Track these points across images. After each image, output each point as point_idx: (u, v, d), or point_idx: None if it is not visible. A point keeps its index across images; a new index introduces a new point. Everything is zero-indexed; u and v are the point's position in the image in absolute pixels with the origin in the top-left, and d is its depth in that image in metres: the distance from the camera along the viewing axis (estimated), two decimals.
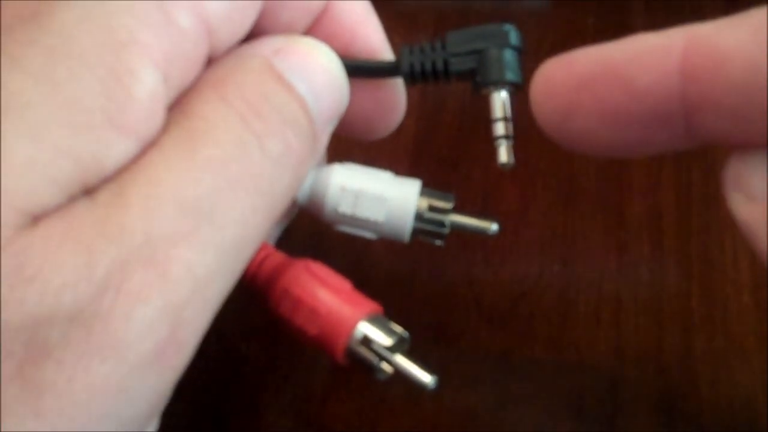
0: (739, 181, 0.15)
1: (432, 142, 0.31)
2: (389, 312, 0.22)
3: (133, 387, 0.15)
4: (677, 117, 0.15)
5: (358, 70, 0.21)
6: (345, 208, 0.23)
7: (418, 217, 0.23)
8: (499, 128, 0.21)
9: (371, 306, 0.21)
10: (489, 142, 0.21)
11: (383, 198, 0.23)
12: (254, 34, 0.20)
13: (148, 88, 0.16)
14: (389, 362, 0.20)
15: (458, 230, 0.24)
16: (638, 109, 0.15)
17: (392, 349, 0.20)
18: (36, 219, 0.15)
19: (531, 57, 0.33)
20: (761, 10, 0.14)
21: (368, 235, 0.24)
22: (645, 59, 0.15)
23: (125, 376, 0.15)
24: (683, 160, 0.30)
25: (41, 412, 0.14)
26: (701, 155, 0.30)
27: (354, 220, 0.23)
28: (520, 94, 0.21)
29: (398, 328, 0.21)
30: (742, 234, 0.15)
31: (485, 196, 0.30)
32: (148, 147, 0.16)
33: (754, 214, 0.14)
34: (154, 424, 0.18)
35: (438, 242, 0.24)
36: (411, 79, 0.22)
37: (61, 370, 0.14)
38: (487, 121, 0.21)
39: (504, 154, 0.21)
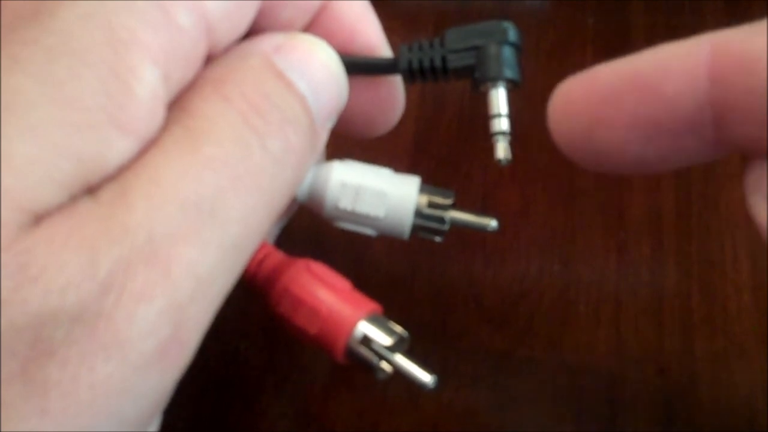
0: (760, 184, 0.15)
1: (432, 142, 0.31)
2: (389, 312, 0.22)
3: (136, 386, 0.15)
4: (706, 124, 0.15)
5: (357, 67, 0.21)
6: (345, 204, 0.23)
7: (418, 213, 0.23)
8: (497, 124, 0.21)
9: (371, 306, 0.21)
10: (489, 142, 0.21)
11: (383, 194, 0.23)
12: (253, 31, 0.20)
13: (149, 87, 0.16)
14: (389, 362, 0.20)
15: (458, 226, 0.24)
16: (667, 117, 0.15)
17: (392, 349, 0.20)
18: (38, 218, 0.15)
19: (531, 57, 0.33)
20: None
21: (368, 231, 0.24)
22: (672, 66, 0.15)
23: (128, 375, 0.15)
24: None
25: (45, 411, 0.14)
26: None
27: (354, 216, 0.23)
28: (519, 92, 0.21)
29: (398, 328, 0.21)
30: (763, 237, 0.15)
31: (485, 195, 0.30)
32: (149, 145, 0.16)
33: None
34: (156, 423, 0.18)
35: (437, 239, 0.24)
36: (410, 76, 0.22)
37: (65, 369, 0.14)
38: (487, 120, 0.21)
39: (501, 150, 0.21)
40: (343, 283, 0.22)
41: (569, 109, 0.16)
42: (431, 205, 0.23)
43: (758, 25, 0.14)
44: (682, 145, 0.15)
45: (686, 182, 0.30)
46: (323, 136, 0.20)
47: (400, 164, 0.25)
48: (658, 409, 0.25)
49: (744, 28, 0.15)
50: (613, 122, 0.15)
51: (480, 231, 0.24)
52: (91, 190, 0.16)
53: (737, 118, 0.14)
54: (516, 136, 0.21)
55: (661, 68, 0.15)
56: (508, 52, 0.21)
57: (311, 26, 0.21)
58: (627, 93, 0.15)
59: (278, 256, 0.22)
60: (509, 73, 0.21)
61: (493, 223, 0.24)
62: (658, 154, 0.15)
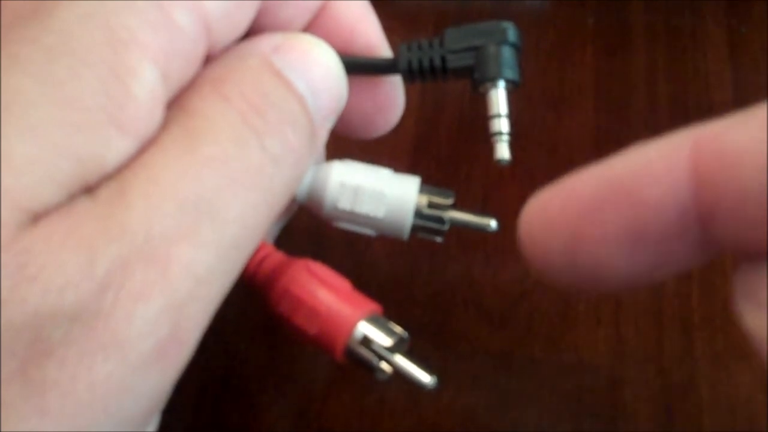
0: (750, 289, 0.14)
1: (432, 142, 0.31)
2: (389, 312, 0.22)
3: (134, 385, 0.15)
4: (692, 228, 0.14)
5: (357, 67, 0.21)
6: (344, 204, 0.23)
7: (418, 213, 0.23)
8: (496, 125, 0.21)
9: (371, 306, 0.21)
10: (489, 142, 0.21)
11: (383, 194, 0.23)
12: (252, 31, 0.20)
13: (148, 87, 0.16)
14: (389, 362, 0.20)
15: (458, 226, 0.24)
16: (652, 225, 0.14)
17: (392, 349, 0.20)
18: (37, 217, 0.15)
19: (531, 57, 0.33)
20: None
21: (368, 231, 0.24)
22: (652, 170, 0.14)
23: (127, 374, 0.15)
24: None
25: (44, 411, 0.14)
26: None
27: (353, 217, 0.23)
28: (519, 92, 0.21)
29: (398, 328, 0.21)
30: (752, 346, 0.13)
31: (485, 196, 0.30)
32: (147, 145, 0.16)
33: (765, 324, 0.13)
34: (154, 422, 0.18)
35: (437, 239, 0.24)
36: (409, 76, 0.22)
37: (64, 368, 0.14)
38: (487, 120, 0.21)
39: (501, 150, 0.21)
40: (342, 284, 0.22)
41: (544, 225, 0.15)
42: (431, 205, 0.23)
43: (737, 116, 0.13)
44: (669, 252, 0.14)
45: None
46: (322, 136, 0.20)
47: (400, 164, 0.25)
48: (658, 409, 0.25)
49: (723, 120, 0.14)
50: (594, 236, 0.14)
51: (480, 231, 0.24)
52: (89, 189, 0.16)
53: (724, 219, 0.13)
54: (516, 136, 0.21)
55: (640, 173, 0.14)
56: (507, 53, 0.21)
57: (311, 26, 0.21)
58: (607, 203, 0.14)
59: (278, 256, 0.22)
60: (509, 73, 0.21)
61: (493, 223, 0.24)
62: (645, 265, 0.14)
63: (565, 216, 0.14)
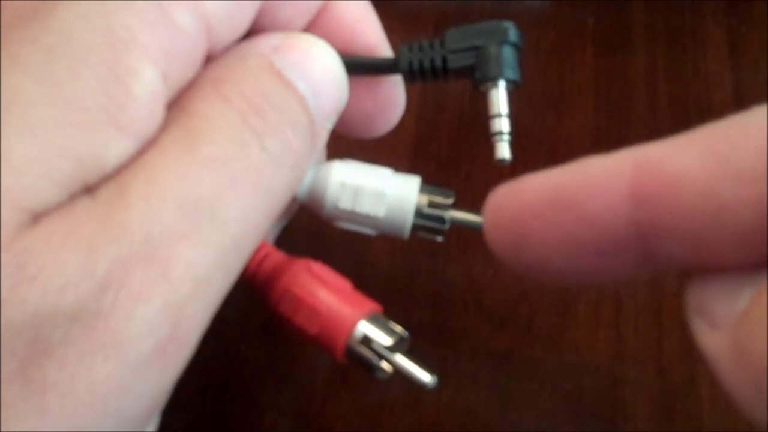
0: (701, 307, 0.14)
1: (432, 142, 0.31)
2: (389, 312, 0.22)
3: (134, 385, 0.15)
4: (632, 243, 0.14)
5: (357, 67, 0.21)
6: (345, 203, 0.23)
7: (418, 212, 0.23)
8: (497, 124, 0.21)
9: (371, 306, 0.21)
10: (489, 142, 0.21)
11: (383, 194, 0.23)
12: (253, 31, 0.20)
13: (148, 87, 0.16)
14: (389, 362, 0.20)
15: (458, 226, 0.24)
16: (590, 236, 0.14)
17: (392, 349, 0.20)
18: (37, 217, 0.15)
19: (531, 57, 0.33)
20: (710, 128, 0.13)
21: (368, 231, 0.24)
22: (594, 184, 0.14)
23: (127, 374, 0.15)
24: None
25: (44, 411, 0.14)
26: None
27: (354, 216, 0.23)
28: (519, 92, 0.21)
29: (398, 328, 0.21)
30: (706, 363, 0.14)
31: (485, 196, 0.30)
32: (147, 145, 0.16)
33: (716, 342, 0.13)
34: (154, 422, 0.18)
35: (438, 239, 0.24)
36: (410, 76, 0.22)
37: (64, 368, 0.14)
38: (487, 120, 0.21)
39: (501, 150, 0.21)
40: (343, 283, 0.22)
41: (499, 219, 0.15)
42: (431, 204, 0.23)
43: (679, 138, 0.14)
44: (609, 262, 0.14)
45: None
46: (323, 136, 0.20)
47: (400, 164, 0.25)
48: (658, 409, 0.25)
49: (666, 141, 0.14)
50: (538, 237, 0.14)
51: (480, 231, 0.24)
52: (89, 189, 0.16)
53: (664, 238, 0.13)
54: (516, 136, 0.21)
55: (582, 186, 0.14)
56: (508, 52, 0.21)
57: (311, 26, 0.21)
58: (550, 209, 0.14)
59: (278, 256, 0.22)
60: (509, 73, 0.21)
61: None
62: (586, 269, 0.14)
63: (514, 215, 0.15)
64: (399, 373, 0.20)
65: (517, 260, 0.15)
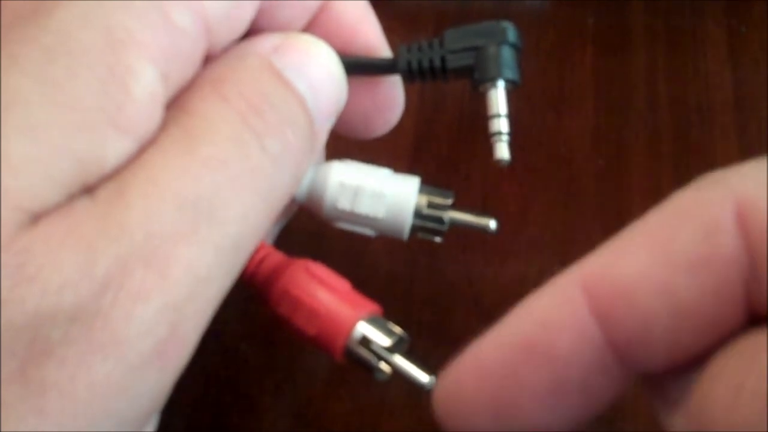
0: (676, 399, 0.13)
1: (432, 142, 0.31)
2: (389, 312, 0.22)
3: (134, 385, 0.15)
4: (609, 361, 0.13)
5: (357, 67, 0.21)
6: (344, 204, 0.23)
7: (417, 213, 0.23)
8: (496, 125, 0.21)
9: (370, 306, 0.21)
10: (488, 143, 0.21)
11: (382, 194, 0.23)
12: (252, 31, 0.20)
13: (147, 87, 0.16)
14: (388, 363, 0.20)
15: (457, 226, 0.24)
16: (572, 371, 0.13)
17: (391, 350, 0.20)
18: (36, 218, 0.15)
19: (531, 57, 0.33)
20: (648, 221, 0.13)
21: (367, 231, 0.24)
22: (554, 321, 0.13)
23: (126, 374, 0.15)
24: (683, 160, 0.30)
25: (43, 411, 0.14)
26: (701, 155, 0.30)
27: (353, 217, 0.23)
28: (519, 92, 0.21)
29: (397, 329, 0.21)
30: None
31: (485, 196, 0.30)
32: (147, 145, 0.16)
33: (679, 424, 0.13)
34: (153, 422, 0.18)
35: (437, 239, 0.24)
36: (409, 76, 0.22)
37: (63, 368, 0.15)
38: (486, 120, 0.21)
39: (500, 150, 0.21)
40: (342, 284, 0.22)
41: (461, 396, 0.14)
42: (431, 205, 0.23)
43: (622, 239, 0.13)
44: (593, 389, 0.14)
45: (686, 183, 0.29)
46: (322, 137, 0.20)
47: (400, 164, 0.25)
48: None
49: (609, 247, 0.13)
50: (515, 400, 0.14)
51: (480, 231, 0.24)
52: (89, 189, 0.16)
53: (633, 345, 0.13)
54: (516, 136, 0.21)
55: (544, 329, 0.13)
56: (507, 53, 0.21)
57: (311, 26, 0.21)
58: (521, 366, 0.13)
59: (277, 256, 0.22)
60: (508, 73, 0.21)
61: (492, 223, 0.24)
62: (571, 408, 0.14)
63: (483, 387, 0.14)
64: (398, 373, 0.20)
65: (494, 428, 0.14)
